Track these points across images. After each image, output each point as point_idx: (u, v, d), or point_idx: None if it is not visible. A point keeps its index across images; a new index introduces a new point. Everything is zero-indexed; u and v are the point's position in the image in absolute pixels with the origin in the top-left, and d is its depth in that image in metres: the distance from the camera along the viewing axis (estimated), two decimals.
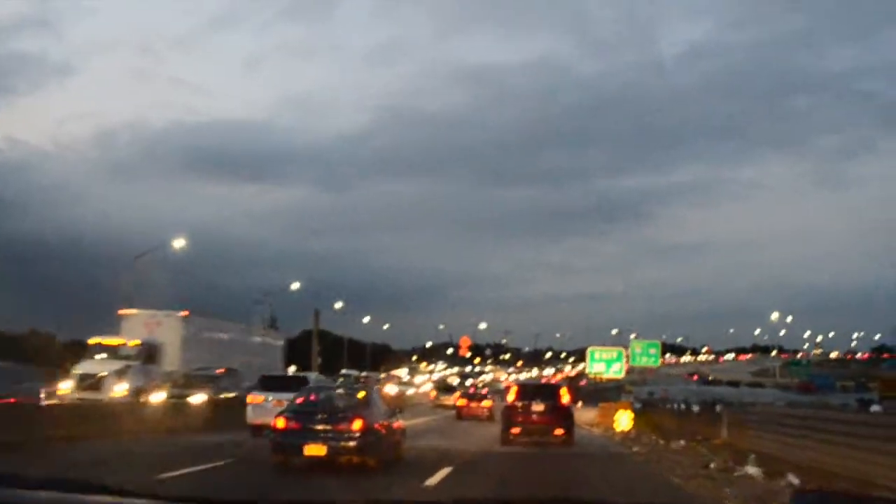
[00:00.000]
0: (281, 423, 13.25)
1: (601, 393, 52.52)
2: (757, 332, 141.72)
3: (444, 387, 52.65)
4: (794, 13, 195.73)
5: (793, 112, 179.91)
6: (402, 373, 75.54)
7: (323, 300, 72.39)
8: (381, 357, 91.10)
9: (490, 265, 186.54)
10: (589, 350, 44.07)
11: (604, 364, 42.17)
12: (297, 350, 68.87)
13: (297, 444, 12.90)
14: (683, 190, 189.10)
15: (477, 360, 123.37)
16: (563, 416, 20.79)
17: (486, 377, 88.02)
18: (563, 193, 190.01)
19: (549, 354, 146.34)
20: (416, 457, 15.49)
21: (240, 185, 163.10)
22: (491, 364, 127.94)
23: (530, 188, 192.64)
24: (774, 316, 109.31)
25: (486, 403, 37.61)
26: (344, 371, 59.05)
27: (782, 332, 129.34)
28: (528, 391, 22.02)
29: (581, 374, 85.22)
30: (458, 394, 43.38)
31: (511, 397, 21.55)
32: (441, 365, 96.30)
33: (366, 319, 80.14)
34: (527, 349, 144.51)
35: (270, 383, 22.12)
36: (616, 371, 42.67)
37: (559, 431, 20.40)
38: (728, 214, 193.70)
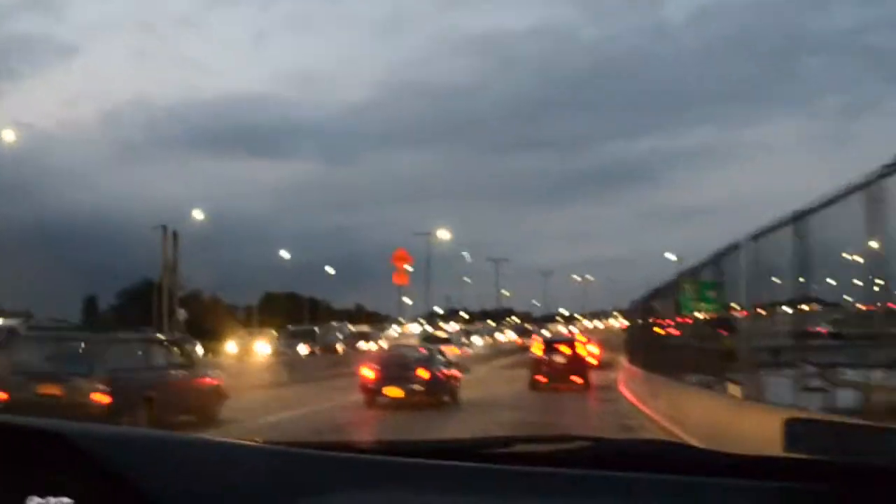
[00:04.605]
0: (367, 371, 18.00)
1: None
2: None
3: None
4: None
5: (800, 72, 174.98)
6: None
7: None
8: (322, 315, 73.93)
9: (495, 234, 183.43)
10: None
11: None
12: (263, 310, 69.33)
13: (380, 388, 17.55)
14: (692, 153, 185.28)
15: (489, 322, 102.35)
16: (580, 364, 24.24)
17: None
18: (570, 160, 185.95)
19: (564, 314, 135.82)
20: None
21: (247, 161, 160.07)
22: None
23: (536, 155, 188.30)
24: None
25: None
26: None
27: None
28: (551, 345, 25.23)
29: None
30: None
31: (537, 351, 25.21)
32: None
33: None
34: (537, 305, 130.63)
35: None
36: None
37: (576, 378, 23.55)
38: (738, 176, 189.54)
